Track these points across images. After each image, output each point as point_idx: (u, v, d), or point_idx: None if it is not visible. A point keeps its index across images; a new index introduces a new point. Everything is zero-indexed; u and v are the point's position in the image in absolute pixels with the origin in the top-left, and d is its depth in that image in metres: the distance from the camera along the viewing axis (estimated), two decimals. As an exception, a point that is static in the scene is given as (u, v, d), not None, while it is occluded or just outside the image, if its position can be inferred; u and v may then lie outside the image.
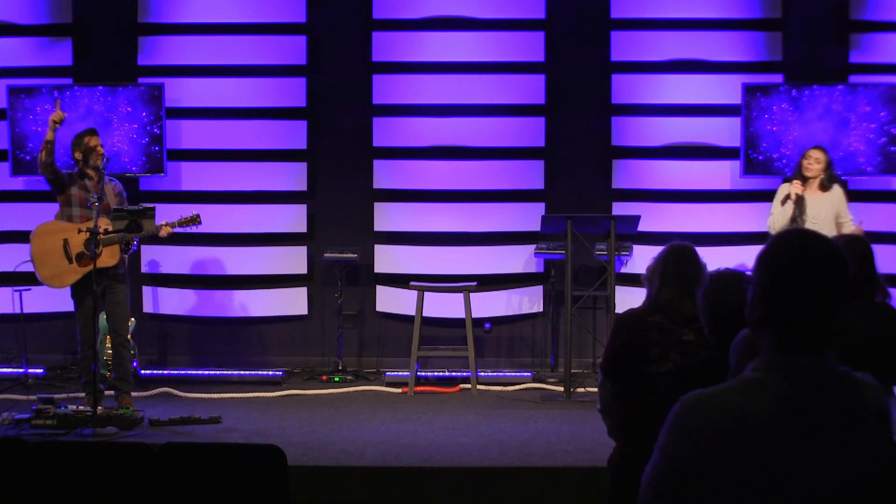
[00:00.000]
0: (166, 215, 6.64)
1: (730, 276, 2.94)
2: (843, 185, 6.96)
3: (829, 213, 6.64)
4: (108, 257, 6.19)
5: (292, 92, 8.26)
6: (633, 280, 7.97)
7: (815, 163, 6.72)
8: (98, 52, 8.24)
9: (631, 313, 3.53)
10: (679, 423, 1.84)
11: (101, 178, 6.32)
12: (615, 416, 3.48)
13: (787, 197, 6.67)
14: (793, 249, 1.86)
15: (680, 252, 3.48)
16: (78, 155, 6.37)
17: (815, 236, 1.89)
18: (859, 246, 3.61)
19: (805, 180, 6.70)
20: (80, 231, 6.24)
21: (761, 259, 1.90)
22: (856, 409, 1.82)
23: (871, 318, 3.48)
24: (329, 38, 8.30)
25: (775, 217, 6.71)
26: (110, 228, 6.20)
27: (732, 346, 2.34)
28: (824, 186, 6.73)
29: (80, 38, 8.26)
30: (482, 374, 7.62)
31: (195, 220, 6.54)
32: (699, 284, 3.34)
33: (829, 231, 6.51)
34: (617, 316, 3.59)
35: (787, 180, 6.89)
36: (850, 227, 6.58)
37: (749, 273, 2.90)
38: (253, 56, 8.24)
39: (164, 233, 6.38)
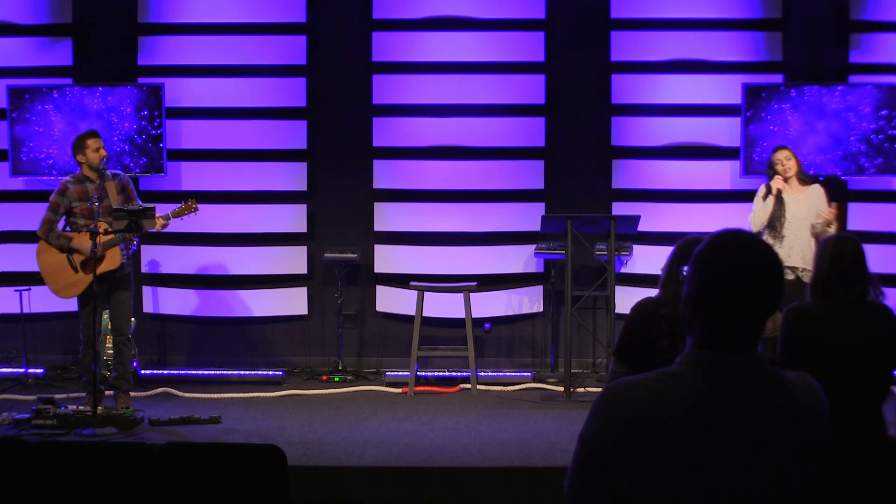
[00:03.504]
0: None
1: None
2: (823, 185, 6.87)
3: (808, 211, 6.56)
4: (110, 261, 6.19)
5: (292, 92, 8.26)
6: (633, 280, 7.99)
7: (785, 161, 6.70)
8: (98, 52, 8.24)
9: (647, 302, 3.54)
10: (598, 409, 1.85)
11: (102, 178, 6.32)
12: None
13: (769, 192, 6.66)
14: (728, 255, 1.85)
15: (685, 249, 3.48)
16: (80, 157, 6.38)
17: (753, 242, 1.87)
18: (850, 245, 3.61)
19: (785, 181, 6.70)
20: (79, 232, 6.27)
21: (696, 259, 1.89)
22: (778, 407, 1.82)
23: (862, 316, 3.48)
24: (329, 38, 8.30)
25: (756, 214, 6.71)
26: (110, 229, 6.21)
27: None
28: (803, 181, 6.71)
29: (80, 38, 8.26)
30: (482, 374, 7.62)
31: (191, 207, 6.51)
32: None
33: (807, 229, 6.51)
34: (636, 303, 3.60)
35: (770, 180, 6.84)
36: (817, 229, 6.54)
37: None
38: (253, 56, 8.24)
39: (159, 226, 6.34)
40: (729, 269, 1.83)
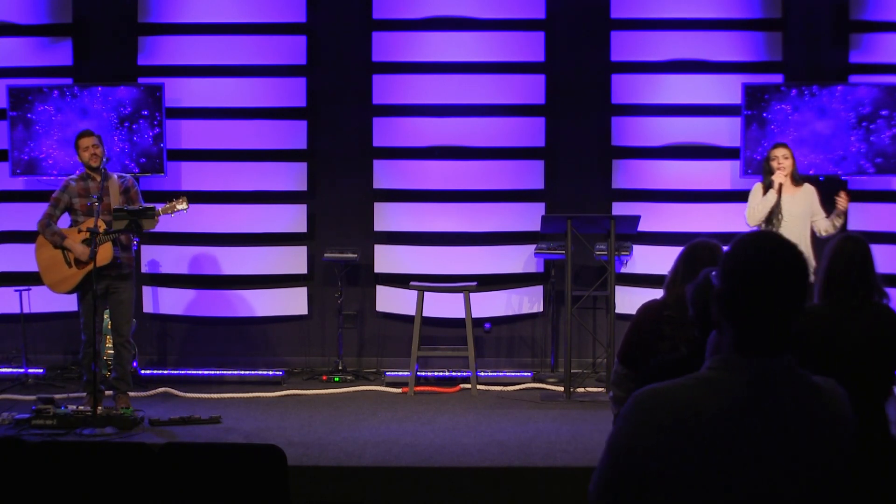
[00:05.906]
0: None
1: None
2: (814, 182, 6.97)
3: (803, 210, 6.69)
4: (101, 257, 6.19)
5: (292, 92, 8.26)
6: (633, 280, 7.98)
7: (783, 160, 6.73)
8: (98, 52, 8.24)
9: (651, 305, 3.55)
10: (631, 417, 1.84)
11: (103, 177, 6.34)
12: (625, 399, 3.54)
13: (769, 187, 6.69)
14: (754, 253, 1.86)
15: (693, 253, 3.49)
16: (77, 157, 6.44)
17: (778, 240, 1.88)
18: (850, 245, 3.59)
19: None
20: (79, 231, 6.28)
21: (724, 261, 1.91)
22: (811, 412, 1.82)
23: (867, 318, 3.47)
24: (329, 38, 8.29)
25: (756, 209, 6.74)
26: (109, 228, 6.23)
27: (708, 343, 2.37)
28: (796, 182, 6.76)
29: (80, 38, 8.26)
30: (482, 374, 7.62)
31: (181, 204, 6.53)
32: None
33: (802, 228, 6.59)
34: (641, 305, 3.60)
35: (766, 182, 6.84)
36: (823, 224, 6.67)
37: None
38: (253, 56, 8.24)
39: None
40: (751, 267, 1.84)
